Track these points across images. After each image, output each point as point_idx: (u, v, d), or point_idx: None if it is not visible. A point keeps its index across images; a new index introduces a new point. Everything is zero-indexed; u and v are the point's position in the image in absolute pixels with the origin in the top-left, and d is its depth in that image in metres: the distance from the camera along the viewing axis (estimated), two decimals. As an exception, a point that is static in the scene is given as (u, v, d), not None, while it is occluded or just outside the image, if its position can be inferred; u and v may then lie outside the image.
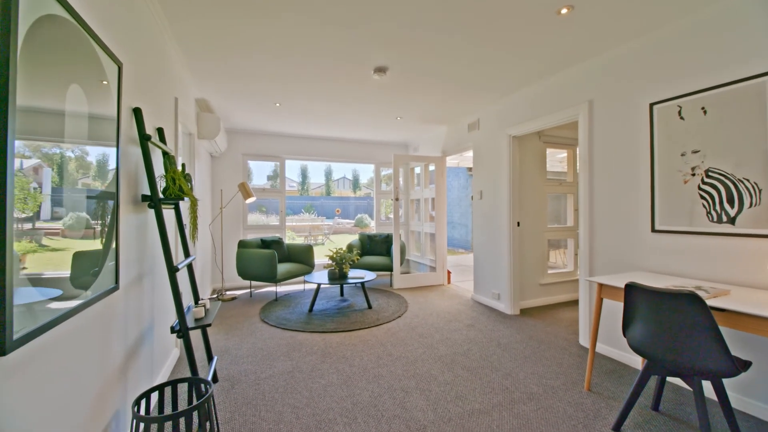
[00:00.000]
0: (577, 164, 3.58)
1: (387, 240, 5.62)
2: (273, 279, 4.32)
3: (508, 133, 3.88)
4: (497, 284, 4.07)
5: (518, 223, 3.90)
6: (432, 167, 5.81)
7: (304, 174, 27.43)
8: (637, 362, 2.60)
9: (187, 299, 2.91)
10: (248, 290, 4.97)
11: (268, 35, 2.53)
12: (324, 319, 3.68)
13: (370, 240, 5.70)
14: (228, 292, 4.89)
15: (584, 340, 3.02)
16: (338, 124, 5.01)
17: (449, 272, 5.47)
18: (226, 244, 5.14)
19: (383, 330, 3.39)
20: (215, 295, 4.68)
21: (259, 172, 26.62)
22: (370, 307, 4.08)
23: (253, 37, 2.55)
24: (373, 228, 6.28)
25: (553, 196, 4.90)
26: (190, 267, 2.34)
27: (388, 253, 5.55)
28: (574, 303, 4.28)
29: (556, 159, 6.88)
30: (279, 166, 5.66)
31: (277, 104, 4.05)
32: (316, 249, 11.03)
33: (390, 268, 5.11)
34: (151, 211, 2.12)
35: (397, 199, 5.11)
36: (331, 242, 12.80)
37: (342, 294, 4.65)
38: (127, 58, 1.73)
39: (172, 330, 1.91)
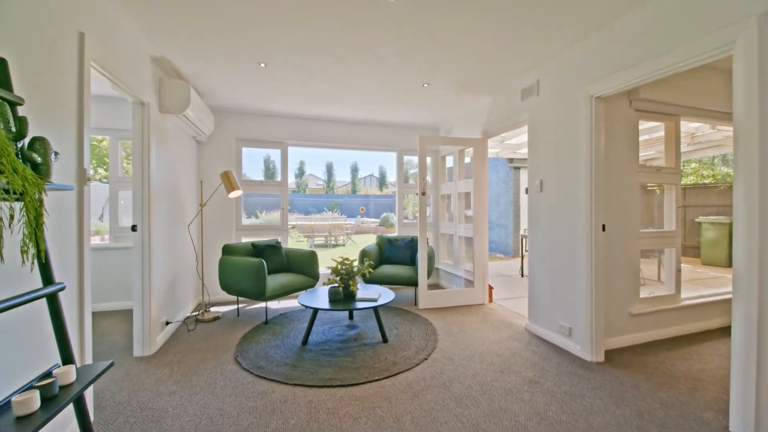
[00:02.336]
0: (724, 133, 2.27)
1: (411, 245, 4.49)
2: (261, 296, 3.33)
3: (589, 93, 2.63)
4: (568, 313, 2.83)
5: (603, 227, 2.65)
6: (468, 155, 4.61)
7: (329, 171, 26.79)
8: None
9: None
10: (236, 306, 4.01)
11: None
12: (319, 359, 2.63)
13: (390, 244, 4.60)
14: (213, 309, 3.97)
15: (739, 426, 1.75)
16: (350, 100, 3.95)
17: (491, 288, 4.25)
18: (211, 248, 4.22)
19: (400, 385, 2.28)
20: (196, 313, 3.77)
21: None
22: (385, 340, 2.97)
23: None
24: (396, 229, 5.19)
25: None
26: (52, 304, 1.33)
27: (412, 261, 4.43)
28: (680, 342, 2.95)
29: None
30: (281, 154, 4.68)
31: (263, 64, 3.03)
32: (336, 251, 10.08)
33: (414, 282, 3.98)
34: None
35: (423, 194, 3.97)
36: (353, 243, 11.84)
37: (351, 317, 3.58)
38: None
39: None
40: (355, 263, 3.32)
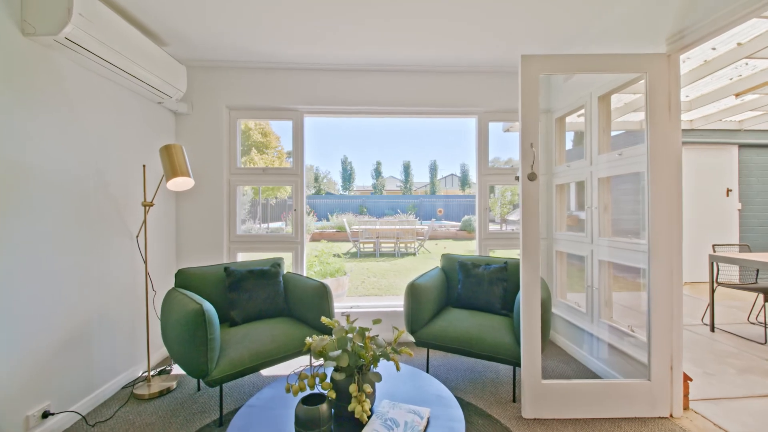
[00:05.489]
0: None
1: (502, 275, 2.46)
2: (203, 374, 1.74)
3: None
4: None
5: None
6: (623, 111, 2.41)
7: (406, 171, 25.26)
8: None
9: None
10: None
11: None
12: None
13: (464, 272, 2.62)
14: (174, 367, 2.55)
15: None
16: (387, 14, 2.15)
17: (687, 379, 1.97)
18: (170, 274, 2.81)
19: None
20: (144, 373, 2.39)
21: (362, 170, 25.69)
22: None
23: None
24: (476, 243, 3.20)
25: None
26: None
27: (504, 307, 2.41)
28: None
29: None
30: (293, 126, 3.12)
31: None
32: (405, 261, 8.22)
33: (513, 357, 1.97)
34: None
35: (532, 178, 1.94)
36: (425, 252, 9.94)
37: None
38: None
39: None
40: (373, 333, 1.54)
